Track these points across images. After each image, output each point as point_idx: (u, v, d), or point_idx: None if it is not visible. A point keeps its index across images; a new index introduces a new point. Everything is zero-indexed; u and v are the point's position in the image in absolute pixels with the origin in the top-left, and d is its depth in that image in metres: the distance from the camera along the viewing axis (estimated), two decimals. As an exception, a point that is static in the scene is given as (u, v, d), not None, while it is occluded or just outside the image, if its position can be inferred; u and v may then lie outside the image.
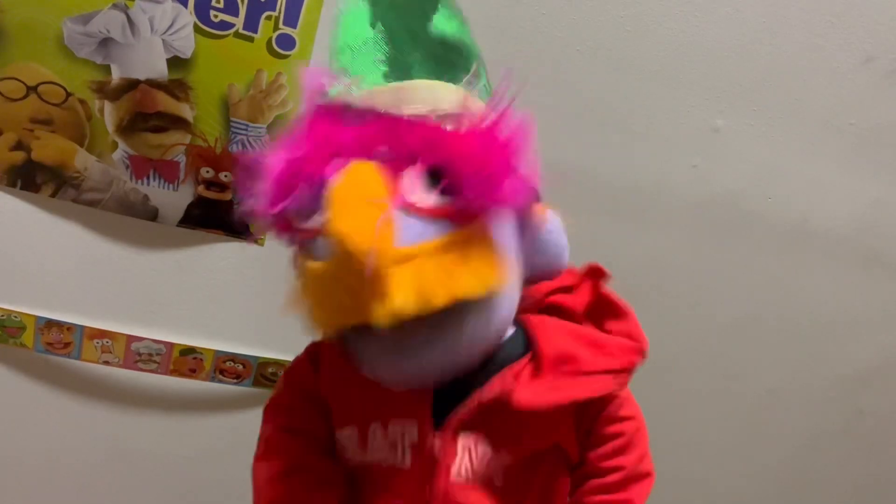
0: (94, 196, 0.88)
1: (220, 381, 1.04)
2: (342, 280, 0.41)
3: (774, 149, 1.00)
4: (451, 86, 0.50)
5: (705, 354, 1.19)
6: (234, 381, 1.05)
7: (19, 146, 0.83)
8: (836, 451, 1.38)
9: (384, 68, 0.49)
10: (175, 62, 0.81)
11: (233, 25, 0.80)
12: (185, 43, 0.80)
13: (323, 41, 0.83)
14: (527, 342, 0.50)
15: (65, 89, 0.81)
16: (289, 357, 1.04)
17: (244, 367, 1.04)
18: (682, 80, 0.92)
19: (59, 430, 1.05)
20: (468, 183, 0.43)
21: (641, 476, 0.53)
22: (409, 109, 0.45)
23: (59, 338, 0.96)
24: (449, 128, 0.44)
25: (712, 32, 0.90)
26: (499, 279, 0.45)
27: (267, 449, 0.56)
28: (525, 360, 0.49)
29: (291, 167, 0.45)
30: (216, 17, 0.79)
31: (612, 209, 1.01)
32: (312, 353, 0.58)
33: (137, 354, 0.99)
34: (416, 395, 0.49)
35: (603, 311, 0.54)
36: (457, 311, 0.43)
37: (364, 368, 0.49)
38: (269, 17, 0.80)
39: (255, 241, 0.95)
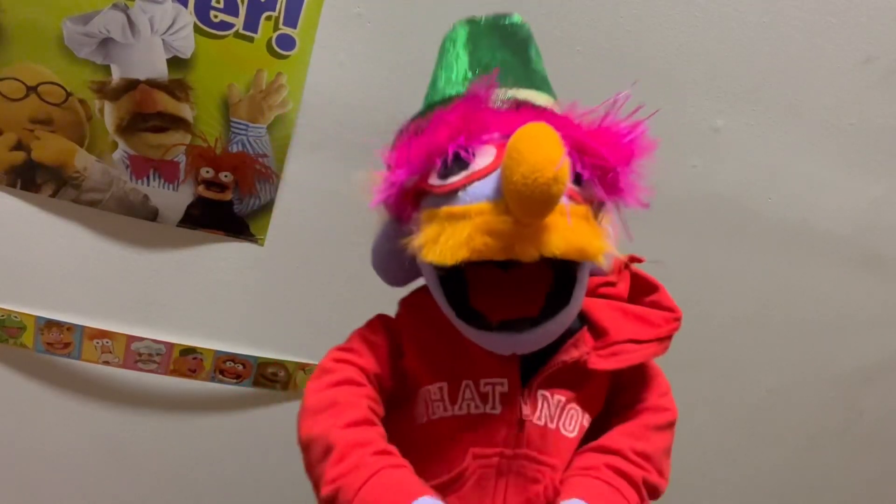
0: (94, 196, 0.88)
1: (220, 381, 1.04)
2: (522, 206, 0.46)
3: (774, 149, 1.00)
4: (552, 100, 0.60)
5: (705, 354, 1.19)
6: (234, 381, 1.05)
7: (19, 146, 0.83)
8: (836, 450, 1.38)
9: (513, 79, 0.58)
10: (175, 62, 0.81)
11: (233, 25, 0.80)
12: (185, 43, 0.80)
13: (323, 41, 0.83)
14: (582, 319, 0.61)
15: (65, 89, 0.81)
16: (289, 357, 1.05)
17: (244, 367, 1.04)
18: (682, 80, 0.92)
19: (59, 430, 1.05)
20: (600, 172, 0.53)
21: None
22: (540, 102, 0.56)
23: (59, 338, 0.96)
24: (583, 125, 0.53)
25: (712, 32, 0.90)
26: (608, 249, 0.52)
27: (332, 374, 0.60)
28: (584, 330, 0.59)
29: (442, 134, 0.53)
30: (216, 17, 0.79)
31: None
32: (391, 320, 0.64)
33: (137, 354, 0.99)
34: (507, 359, 0.57)
35: (639, 289, 0.64)
36: (574, 274, 0.53)
37: (460, 326, 0.56)
38: (269, 18, 0.80)
39: (256, 241, 0.95)
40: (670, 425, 0.61)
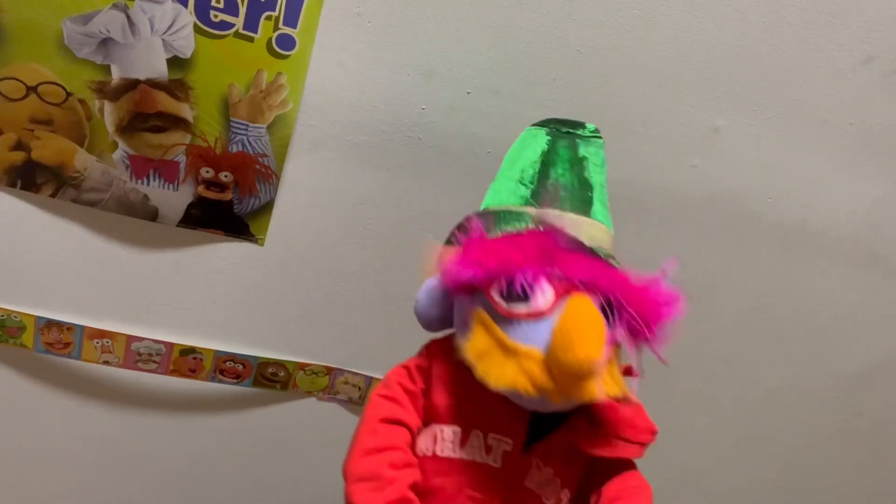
0: (94, 196, 0.88)
1: (220, 381, 1.04)
2: (553, 371, 0.56)
3: (774, 149, 1.00)
4: (606, 227, 0.70)
5: (705, 354, 1.19)
6: (234, 381, 1.05)
7: (19, 146, 0.83)
8: (835, 451, 1.38)
9: (573, 204, 0.67)
10: (175, 62, 0.81)
11: (233, 25, 0.80)
12: (185, 43, 0.80)
13: (323, 41, 0.83)
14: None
15: (65, 89, 0.81)
16: (289, 357, 1.05)
17: (244, 367, 1.04)
18: (682, 80, 0.92)
19: (59, 430, 1.05)
20: (635, 327, 0.61)
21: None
22: (592, 241, 0.63)
23: (59, 338, 0.96)
24: (632, 279, 0.62)
25: (712, 32, 0.90)
26: (623, 393, 0.61)
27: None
28: (579, 416, 0.65)
29: (516, 258, 0.60)
30: (216, 17, 0.79)
31: (613, 209, 1.01)
32: (422, 363, 0.71)
33: (137, 354, 0.99)
34: (518, 419, 0.64)
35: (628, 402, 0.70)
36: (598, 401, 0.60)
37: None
38: (269, 17, 0.80)
39: (256, 241, 0.95)
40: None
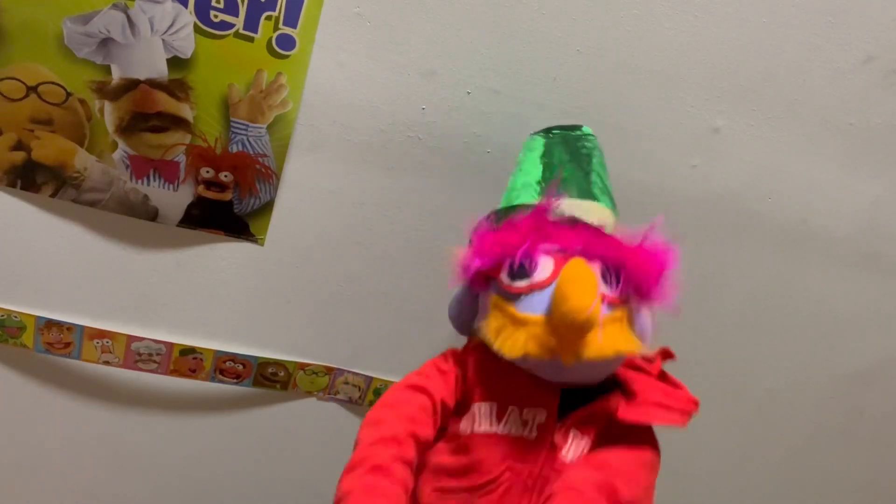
0: (94, 196, 0.88)
1: (220, 381, 1.04)
2: (565, 330, 0.61)
3: (774, 149, 1.00)
4: (608, 210, 0.75)
5: (705, 354, 1.19)
6: (234, 381, 1.05)
7: (19, 146, 0.83)
8: (835, 450, 1.38)
9: (572, 192, 0.73)
10: (175, 62, 0.81)
11: (233, 25, 0.80)
12: (185, 43, 0.80)
13: (323, 41, 0.83)
14: (617, 383, 0.73)
15: (65, 89, 0.81)
16: (289, 357, 1.05)
17: (244, 367, 1.04)
18: (682, 80, 0.92)
19: (59, 430, 1.05)
20: (635, 284, 0.67)
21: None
22: (594, 221, 0.69)
23: (59, 338, 0.96)
24: (625, 243, 0.68)
25: (712, 32, 0.90)
26: (639, 347, 0.67)
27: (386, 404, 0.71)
28: (616, 393, 0.71)
29: (513, 239, 0.67)
30: (216, 17, 0.79)
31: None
32: (458, 352, 0.77)
33: (137, 354, 0.99)
34: (549, 392, 0.69)
35: (665, 378, 0.75)
36: (611, 360, 0.66)
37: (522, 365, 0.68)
38: (269, 17, 0.80)
39: (256, 241, 0.95)
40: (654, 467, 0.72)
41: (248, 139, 0.87)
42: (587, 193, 0.74)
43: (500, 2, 0.85)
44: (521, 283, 0.66)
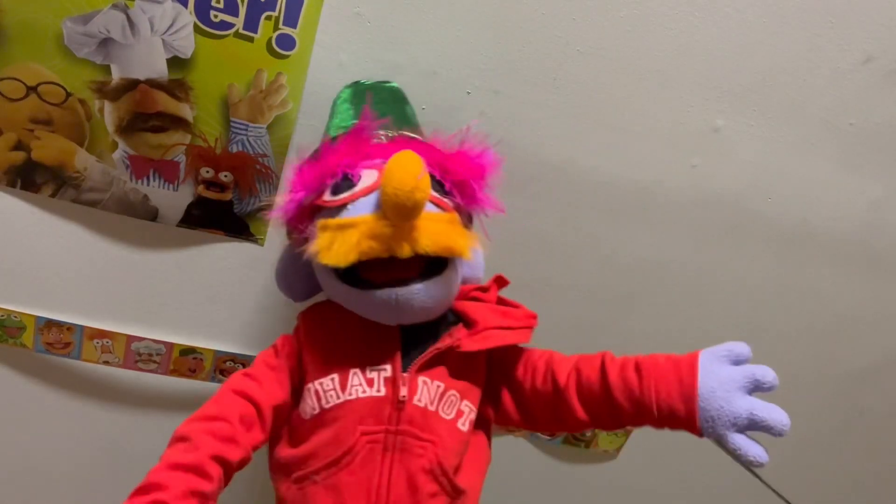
0: (94, 196, 0.88)
1: (220, 381, 1.04)
2: (395, 212, 0.59)
3: (774, 149, 1.00)
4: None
5: (705, 354, 1.19)
6: (234, 381, 1.05)
7: (19, 146, 0.83)
8: (835, 450, 1.38)
9: (394, 120, 0.74)
10: (175, 62, 0.81)
11: (233, 25, 0.80)
12: (185, 43, 0.80)
13: (323, 41, 0.83)
14: (457, 316, 0.74)
15: (65, 89, 0.81)
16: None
17: (244, 367, 1.04)
18: (682, 80, 0.92)
19: (59, 430, 1.05)
20: (459, 186, 0.68)
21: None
22: (411, 136, 0.71)
23: (59, 338, 0.96)
24: (444, 150, 0.69)
25: (712, 32, 0.90)
26: (472, 247, 0.67)
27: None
28: (459, 325, 0.72)
29: (332, 160, 0.66)
30: (216, 17, 0.79)
31: (613, 208, 1.01)
32: (290, 337, 0.75)
33: (137, 354, 0.99)
34: (389, 344, 0.69)
35: (503, 303, 0.76)
36: (444, 266, 0.66)
37: (355, 307, 0.68)
38: (269, 17, 0.80)
39: (256, 241, 0.95)
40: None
41: (248, 139, 0.87)
42: (403, 125, 0.74)
43: (500, 2, 0.85)
44: (345, 194, 0.64)
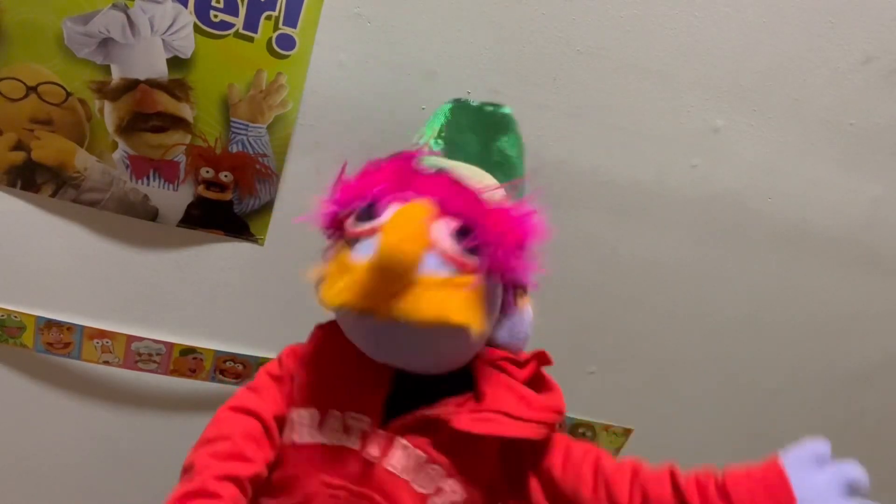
0: (94, 196, 0.88)
1: (220, 381, 1.04)
2: (378, 274, 0.52)
3: (774, 149, 1.00)
4: (494, 181, 0.66)
5: (705, 354, 1.19)
6: (234, 381, 1.05)
7: (19, 146, 0.83)
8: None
9: (463, 154, 0.68)
10: (175, 62, 0.81)
11: (233, 25, 0.80)
12: (185, 43, 0.80)
13: (323, 41, 0.83)
14: (471, 383, 0.63)
15: (65, 89, 0.81)
16: (289, 357, 1.04)
17: (244, 367, 1.04)
18: (682, 80, 0.92)
19: (59, 430, 1.05)
20: (488, 247, 0.57)
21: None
22: (460, 176, 0.61)
23: (59, 338, 0.96)
24: (487, 203, 0.59)
25: (712, 32, 0.90)
26: (478, 324, 0.56)
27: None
28: (468, 395, 0.62)
29: (370, 183, 0.60)
30: (216, 17, 0.79)
31: (613, 209, 1.01)
32: (297, 348, 0.70)
33: (137, 354, 0.99)
34: (373, 393, 0.61)
35: (538, 383, 0.66)
36: (437, 331, 0.54)
37: (343, 325, 0.62)
38: (269, 17, 0.80)
39: (256, 241, 0.95)
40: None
41: (248, 139, 0.87)
42: (474, 159, 0.68)
43: (500, 2, 0.85)
44: (364, 226, 0.58)
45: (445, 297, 0.54)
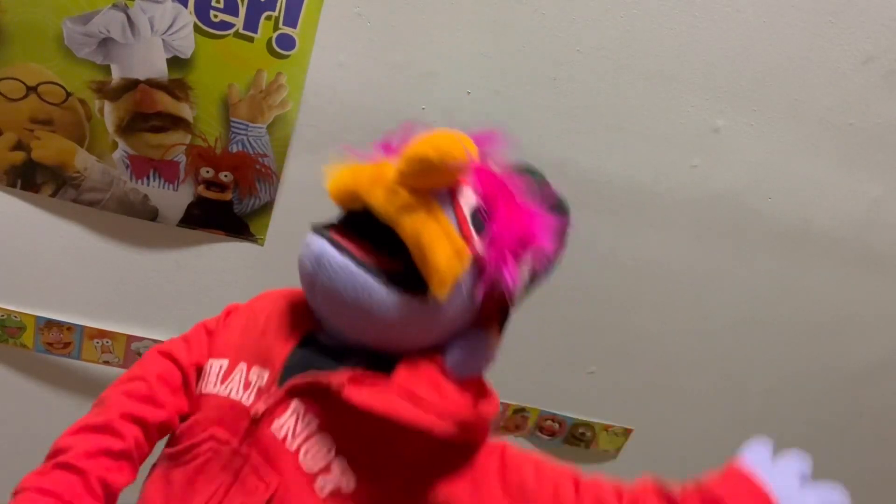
0: (94, 196, 0.88)
1: (220, 381, 1.04)
2: (413, 161, 0.51)
3: (774, 149, 1.00)
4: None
5: (705, 354, 1.19)
6: (234, 381, 1.05)
7: (19, 146, 0.83)
8: (835, 450, 1.38)
9: None
10: (175, 62, 0.81)
11: (233, 25, 0.80)
12: (185, 43, 0.80)
13: (323, 41, 0.83)
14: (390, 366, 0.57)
15: (65, 89, 0.81)
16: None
17: (244, 367, 1.04)
18: (682, 80, 0.92)
19: (59, 430, 1.05)
20: (493, 237, 0.55)
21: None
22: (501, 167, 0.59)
23: (59, 338, 0.96)
24: (517, 191, 0.57)
25: (712, 32, 0.90)
26: (455, 275, 0.53)
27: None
28: (379, 374, 0.55)
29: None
30: (216, 17, 0.79)
31: (613, 208, 1.01)
32: (236, 305, 0.69)
33: (137, 354, 0.99)
34: (281, 348, 0.58)
35: (473, 388, 0.59)
36: (412, 288, 0.53)
37: (300, 271, 0.57)
38: (269, 17, 0.80)
39: (256, 241, 0.95)
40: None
41: (248, 139, 0.87)
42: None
43: (500, 2, 0.85)
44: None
45: (431, 223, 0.52)
